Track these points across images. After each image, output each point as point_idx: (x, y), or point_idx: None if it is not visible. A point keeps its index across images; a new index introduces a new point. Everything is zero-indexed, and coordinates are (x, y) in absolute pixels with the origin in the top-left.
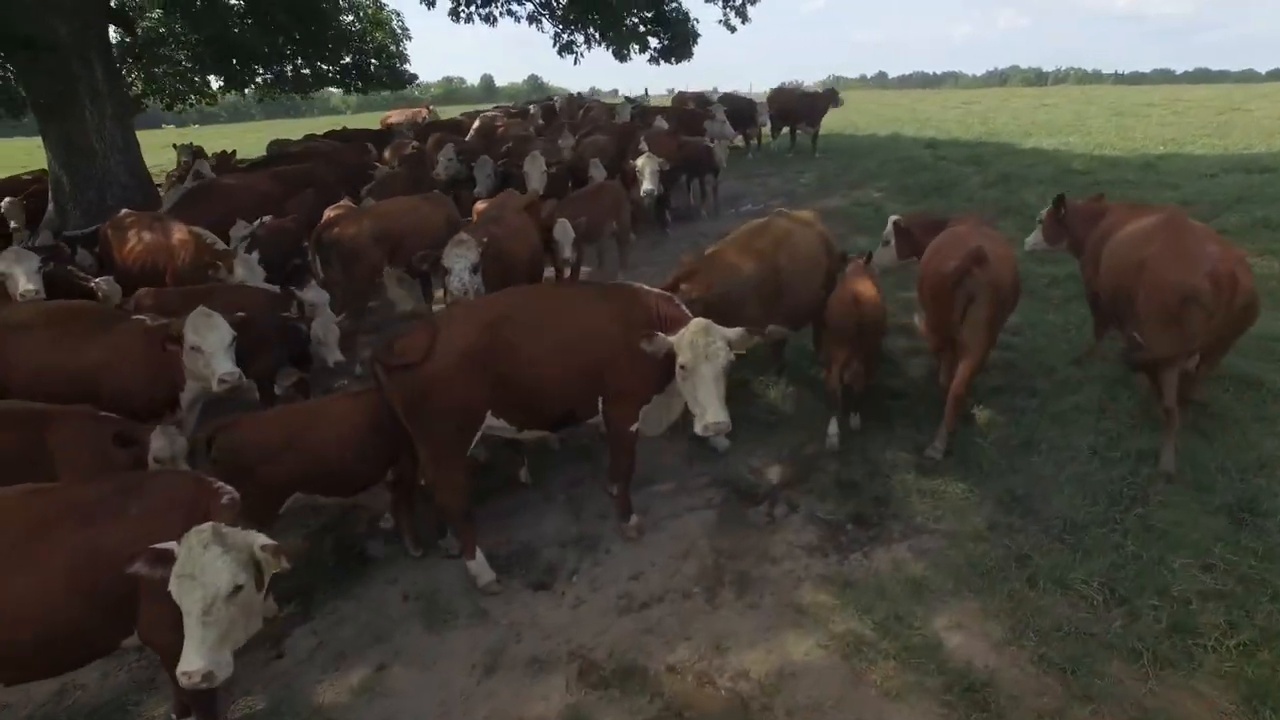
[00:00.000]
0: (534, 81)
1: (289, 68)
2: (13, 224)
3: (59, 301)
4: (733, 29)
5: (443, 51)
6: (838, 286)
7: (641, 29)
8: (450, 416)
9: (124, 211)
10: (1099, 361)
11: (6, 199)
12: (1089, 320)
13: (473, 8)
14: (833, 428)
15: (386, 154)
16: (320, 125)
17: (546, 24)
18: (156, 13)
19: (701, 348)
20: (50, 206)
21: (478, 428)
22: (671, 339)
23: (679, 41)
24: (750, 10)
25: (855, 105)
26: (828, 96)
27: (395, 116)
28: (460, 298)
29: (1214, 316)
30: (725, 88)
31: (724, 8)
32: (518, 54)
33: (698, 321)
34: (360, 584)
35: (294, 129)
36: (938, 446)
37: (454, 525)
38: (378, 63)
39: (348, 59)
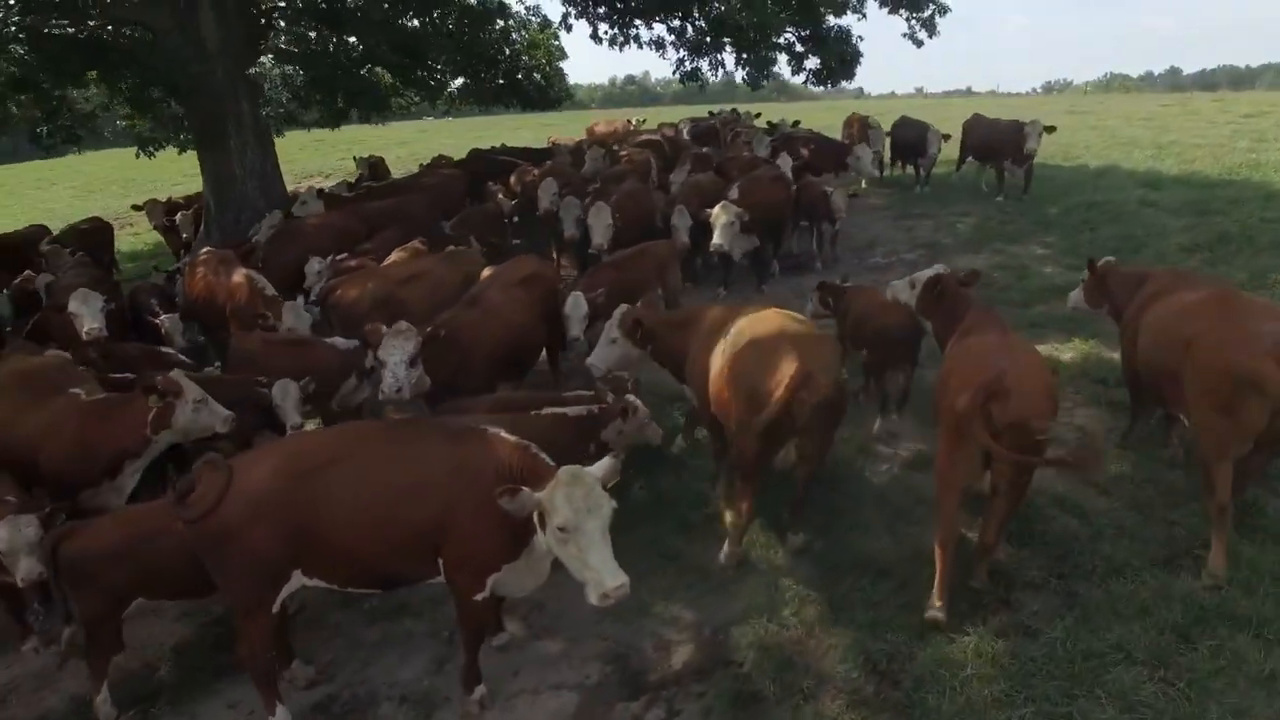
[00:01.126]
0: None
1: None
2: (184, 234)
3: (15, 361)
4: (919, 43)
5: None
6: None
7: (798, 48)
8: (247, 571)
9: (205, 249)
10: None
11: (180, 213)
12: None
13: (606, 30)
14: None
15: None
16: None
17: (670, 50)
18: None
19: (580, 501)
20: (203, 228)
21: (281, 584)
22: (539, 495)
23: (839, 62)
24: (939, 21)
25: (1098, 117)
26: (1036, 130)
27: (601, 126)
28: (392, 396)
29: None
30: (979, 85)
31: (909, 19)
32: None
33: (566, 471)
34: None
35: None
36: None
37: (254, 680)
38: (530, 82)
39: (502, 79)
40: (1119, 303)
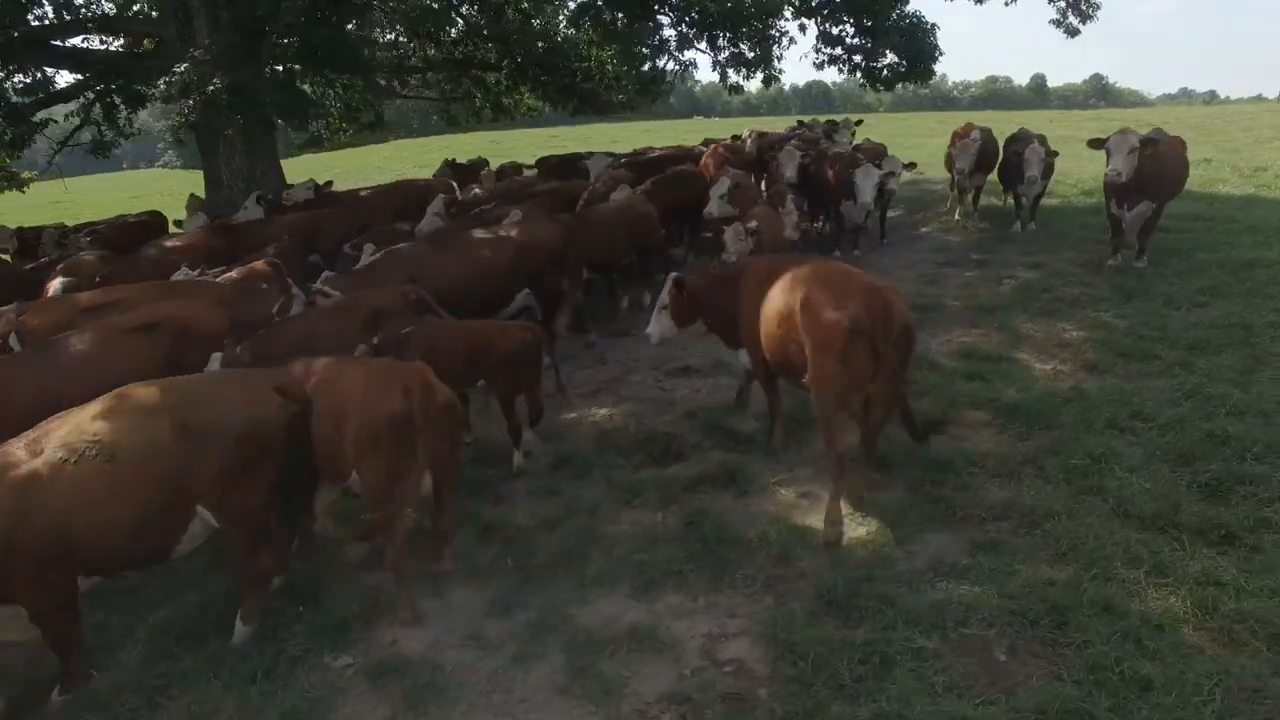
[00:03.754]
0: (1097, 82)
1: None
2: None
3: None
4: (1073, 33)
5: (985, 48)
6: None
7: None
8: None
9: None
10: None
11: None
12: None
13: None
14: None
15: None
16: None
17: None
18: None
19: None
20: None
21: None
22: None
23: (910, 61)
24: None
25: None
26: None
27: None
28: None
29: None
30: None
31: (1058, 3)
32: (1077, 49)
33: None
34: None
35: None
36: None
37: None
38: (589, 84)
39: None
40: (719, 304)
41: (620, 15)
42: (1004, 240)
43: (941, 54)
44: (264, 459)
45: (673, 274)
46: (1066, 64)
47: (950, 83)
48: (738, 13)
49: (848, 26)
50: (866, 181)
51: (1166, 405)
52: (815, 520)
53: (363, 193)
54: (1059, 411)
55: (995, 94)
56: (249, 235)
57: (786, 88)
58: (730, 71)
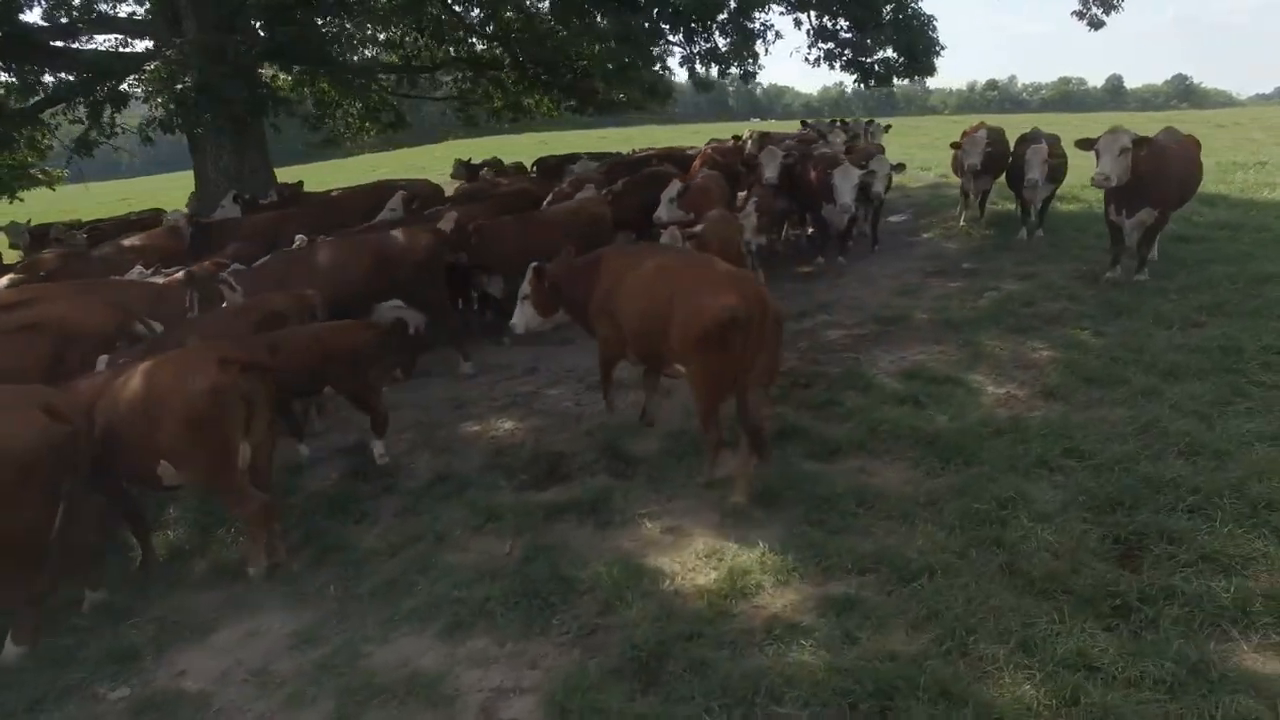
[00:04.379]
0: (1179, 83)
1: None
2: None
3: None
4: (1097, 24)
5: (1058, 49)
6: None
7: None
8: None
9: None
10: None
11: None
12: None
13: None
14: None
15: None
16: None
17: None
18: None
19: None
20: None
21: None
22: None
23: (908, 56)
24: None
25: None
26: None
27: (749, 135)
28: None
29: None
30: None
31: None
32: (1156, 49)
33: None
34: None
35: None
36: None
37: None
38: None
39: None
40: (580, 293)
41: (599, 14)
42: (1005, 248)
43: (943, 48)
44: (21, 483)
45: (534, 263)
46: (1148, 64)
47: (1019, 85)
48: (711, 4)
49: (841, 20)
50: (845, 182)
51: (1112, 441)
52: (666, 560)
53: (334, 193)
54: (986, 445)
55: (1067, 96)
56: (222, 234)
57: (849, 89)
58: (700, 67)
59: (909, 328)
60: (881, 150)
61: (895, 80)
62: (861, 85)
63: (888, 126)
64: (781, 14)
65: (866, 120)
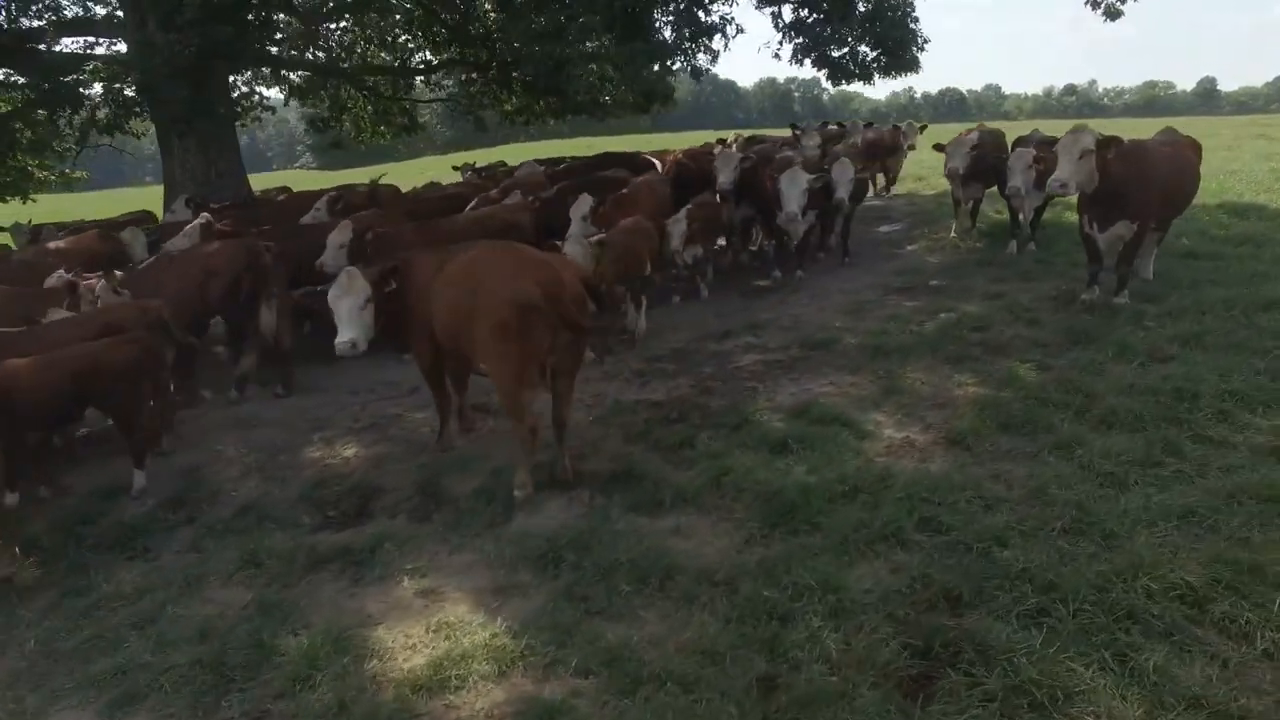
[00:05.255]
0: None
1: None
2: None
3: None
4: (1114, 14)
5: (1143, 51)
6: None
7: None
8: None
9: None
10: None
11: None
12: None
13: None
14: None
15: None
16: None
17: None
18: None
19: None
20: None
21: None
22: None
23: (886, 53)
24: None
25: None
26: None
27: (734, 140)
28: None
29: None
30: None
31: None
32: (1258, 47)
33: None
34: None
35: None
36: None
37: None
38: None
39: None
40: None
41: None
42: (988, 263)
43: (926, 41)
44: None
45: (376, 268)
46: (1246, 66)
47: (1100, 89)
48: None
49: (805, 11)
50: (792, 188)
51: (985, 509)
52: (390, 634)
53: (280, 198)
54: (832, 508)
55: (1153, 100)
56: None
57: (918, 94)
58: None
59: (834, 354)
60: (909, 149)
61: (876, 78)
62: (831, 83)
63: (923, 127)
64: (757, 7)
65: (905, 124)
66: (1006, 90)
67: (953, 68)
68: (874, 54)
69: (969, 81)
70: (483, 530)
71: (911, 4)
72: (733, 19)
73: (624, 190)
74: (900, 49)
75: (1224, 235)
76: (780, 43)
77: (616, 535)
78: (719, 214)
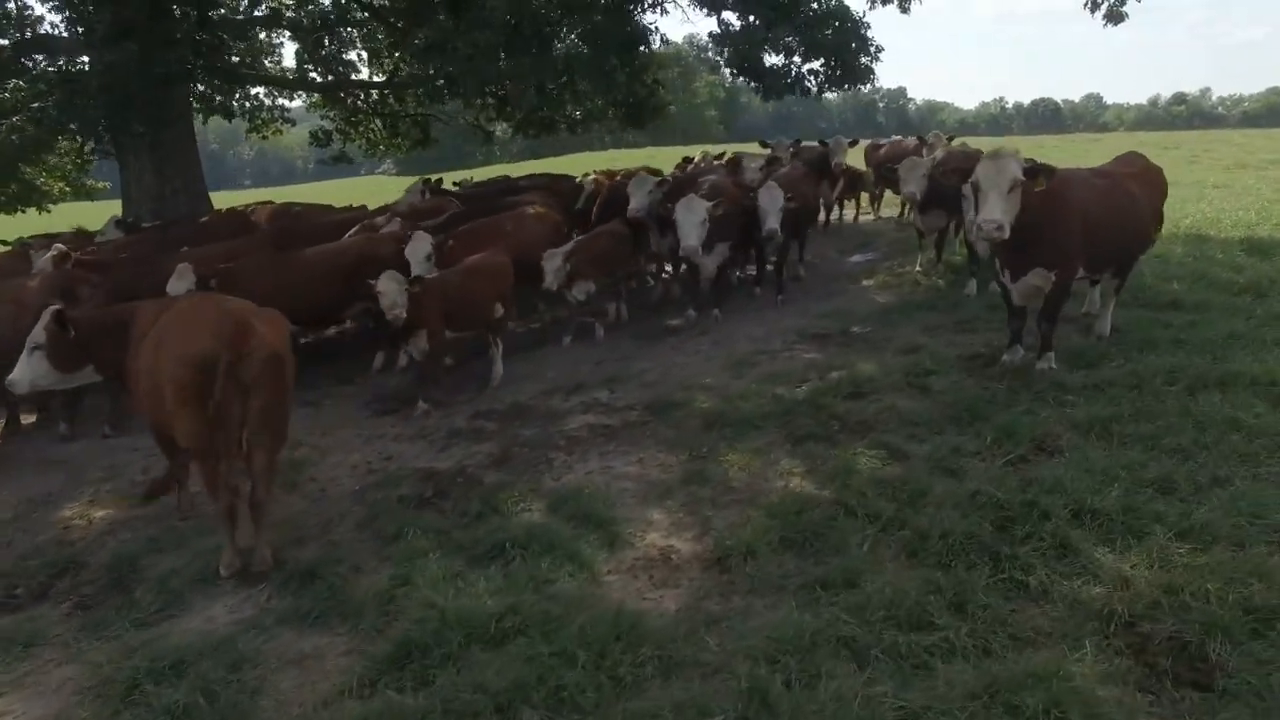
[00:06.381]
0: None
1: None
2: None
3: None
4: (1117, 18)
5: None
6: None
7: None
8: None
9: None
10: None
11: None
12: None
13: None
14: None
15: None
16: None
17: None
18: None
19: None
20: None
21: None
22: None
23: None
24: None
25: None
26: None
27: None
28: None
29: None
30: None
31: None
32: None
33: None
34: None
35: None
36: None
37: None
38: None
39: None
40: (112, 351)
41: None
42: (934, 307)
43: (880, 49)
44: None
45: (53, 307)
46: None
47: (1215, 97)
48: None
49: (730, 14)
50: (689, 218)
51: (658, 684)
52: None
53: (204, 219)
54: (456, 656)
55: (1274, 108)
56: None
57: (1009, 105)
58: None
59: (670, 422)
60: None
61: (827, 92)
62: (761, 97)
63: (853, 142)
64: (707, 14)
65: (932, 135)
66: (1108, 100)
67: (1047, 77)
68: (819, 64)
69: (1067, 91)
70: (124, 630)
71: (863, 17)
72: (656, 28)
73: (479, 224)
74: (855, 57)
75: (1228, 280)
76: (723, 53)
77: (241, 659)
78: (620, 245)
